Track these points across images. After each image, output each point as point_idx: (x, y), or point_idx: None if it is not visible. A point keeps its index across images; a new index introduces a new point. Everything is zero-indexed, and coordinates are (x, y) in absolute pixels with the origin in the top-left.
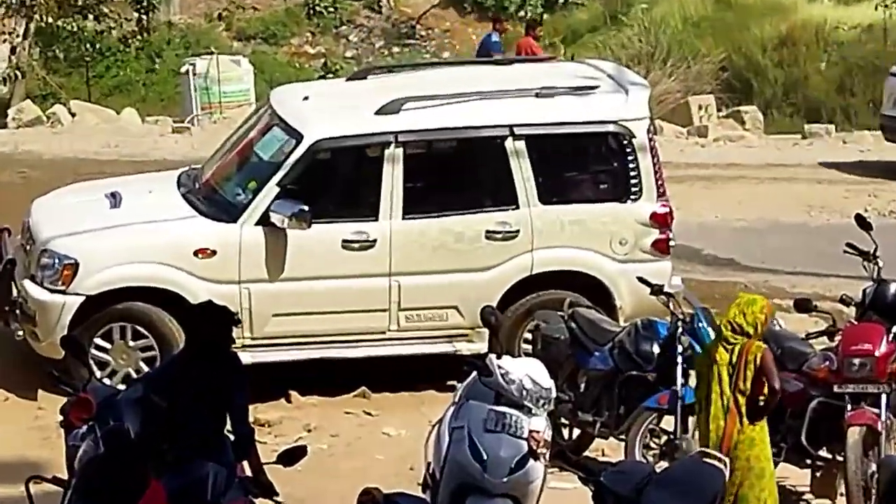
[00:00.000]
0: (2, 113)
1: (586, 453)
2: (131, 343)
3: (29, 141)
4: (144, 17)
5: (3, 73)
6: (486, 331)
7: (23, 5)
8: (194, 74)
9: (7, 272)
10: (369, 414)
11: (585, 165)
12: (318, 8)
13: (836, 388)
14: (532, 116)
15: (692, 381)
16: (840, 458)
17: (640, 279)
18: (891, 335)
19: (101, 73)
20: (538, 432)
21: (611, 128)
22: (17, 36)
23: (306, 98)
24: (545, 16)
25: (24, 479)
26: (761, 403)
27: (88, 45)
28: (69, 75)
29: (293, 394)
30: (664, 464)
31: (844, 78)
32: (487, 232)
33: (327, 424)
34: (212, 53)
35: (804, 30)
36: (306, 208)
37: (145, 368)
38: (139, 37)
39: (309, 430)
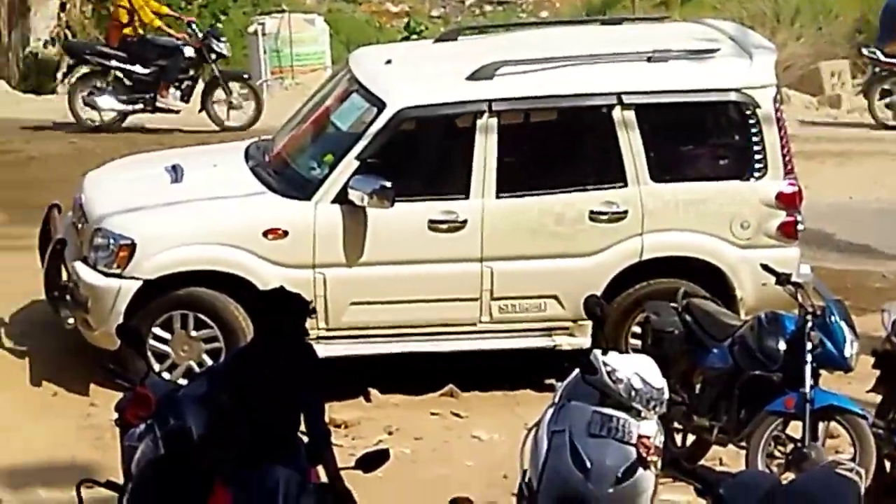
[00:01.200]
0: (51, 77)
1: (702, 462)
2: (193, 333)
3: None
4: None
5: (51, 32)
6: (589, 323)
7: None
8: (263, 35)
9: (57, 253)
10: (458, 415)
11: (703, 138)
12: None
13: None
14: (643, 83)
15: (822, 383)
16: None
17: (765, 267)
18: None
19: None
20: (648, 438)
21: (732, 96)
22: None
23: (389, 62)
24: None
25: (75, 483)
26: None
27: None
28: None
29: (373, 392)
30: (790, 475)
31: None
32: (592, 213)
33: (411, 426)
34: (283, 11)
35: None
36: (389, 185)
37: (209, 361)
38: None
39: (390, 433)
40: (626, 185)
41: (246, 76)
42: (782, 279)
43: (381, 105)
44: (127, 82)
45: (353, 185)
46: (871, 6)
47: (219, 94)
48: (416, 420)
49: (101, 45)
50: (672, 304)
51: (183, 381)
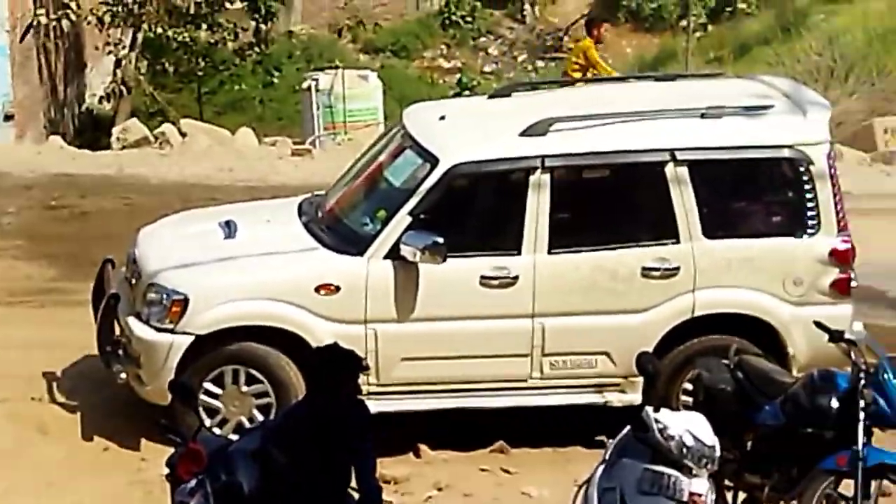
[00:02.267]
0: (105, 132)
1: None
2: (245, 388)
3: (134, 163)
4: (262, 26)
5: (107, 88)
6: (640, 380)
7: (130, 14)
8: (317, 90)
9: (110, 308)
10: (507, 472)
11: (756, 195)
12: (454, 18)
13: None
14: (696, 139)
15: (874, 441)
16: None
17: (818, 324)
18: None
19: (213, 89)
20: (700, 496)
21: (786, 153)
22: (123, 48)
23: (443, 118)
24: (710, 26)
25: None
26: None
27: (200, 58)
28: (179, 91)
29: (423, 447)
30: None
31: None
32: (644, 269)
33: (460, 482)
34: (336, 67)
35: None
36: (441, 241)
37: (260, 417)
38: (256, 49)
39: (440, 489)
40: (678, 242)
41: None
42: (835, 336)
43: (434, 161)
44: None
45: (406, 240)
46: None
47: None
48: (466, 476)
49: None
50: (724, 361)
51: (234, 437)
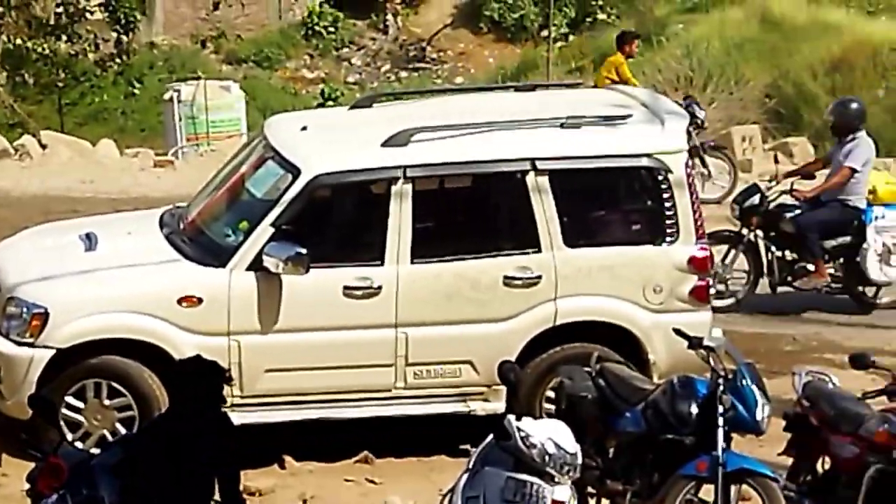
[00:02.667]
0: None
1: None
2: (107, 402)
3: None
4: (124, 38)
5: None
6: (503, 388)
7: None
8: (179, 102)
9: None
10: (373, 482)
11: (616, 204)
12: (316, 28)
13: None
14: (556, 149)
15: (734, 446)
16: None
17: (677, 331)
18: None
19: (74, 101)
20: (562, 503)
21: (644, 162)
22: None
23: (304, 128)
24: (571, 36)
25: None
26: None
27: (61, 70)
28: (39, 103)
29: (288, 459)
30: None
31: None
32: (506, 278)
33: (326, 494)
34: (199, 78)
35: (859, 52)
36: (304, 251)
37: (122, 431)
38: (117, 60)
39: (305, 501)
40: (539, 251)
41: (724, 148)
42: (694, 343)
43: (296, 172)
44: None
45: (268, 251)
46: (782, 72)
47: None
48: (331, 487)
49: None
50: (586, 369)
51: (96, 451)
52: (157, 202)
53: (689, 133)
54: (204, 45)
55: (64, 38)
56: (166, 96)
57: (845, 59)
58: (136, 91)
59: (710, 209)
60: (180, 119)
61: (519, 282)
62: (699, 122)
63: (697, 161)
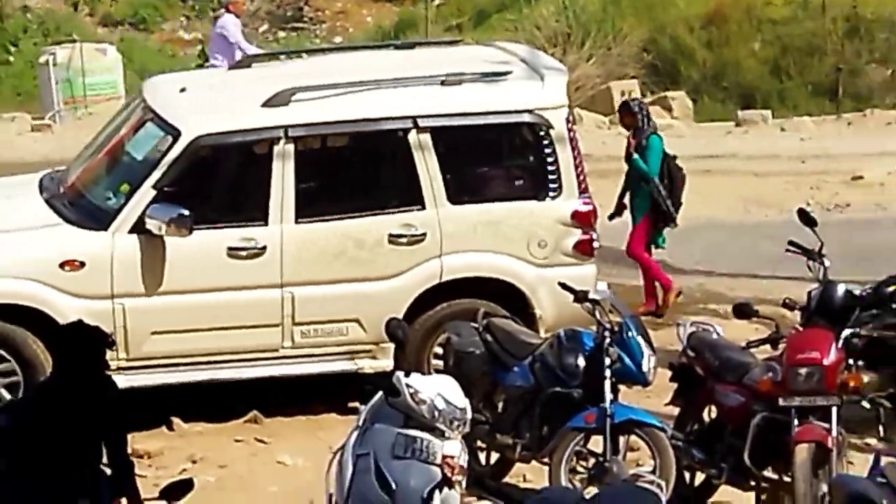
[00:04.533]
0: None
1: (506, 479)
2: None
3: None
4: None
5: None
6: (391, 346)
7: None
8: (55, 65)
9: None
10: (262, 441)
11: (499, 160)
12: None
13: (781, 402)
14: (437, 106)
15: (621, 397)
16: (787, 479)
17: (562, 285)
18: (839, 341)
19: None
20: (452, 457)
21: (525, 117)
22: None
23: (183, 90)
24: None
25: None
26: None
27: None
28: None
29: (176, 421)
30: (593, 489)
31: (780, 59)
32: (391, 236)
33: (215, 454)
34: (74, 41)
35: (734, 7)
36: (186, 213)
37: (7, 396)
38: None
39: (194, 462)
40: (423, 208)
41: None
42: (580, 297)
43: (176, 133)
44: None
45: (150, 214)
46: (658, 26)
47: None
48: (221, 447)
49: None
50: (473, 325)
51: None
52: (36, 167)
53: None
54: (77, 7)
55: None
56: (42, 60)
57: (720, 13)
58: (11, 56)
59: None
60: (57, 83)
61: (404, 239)
62: None
63: None
